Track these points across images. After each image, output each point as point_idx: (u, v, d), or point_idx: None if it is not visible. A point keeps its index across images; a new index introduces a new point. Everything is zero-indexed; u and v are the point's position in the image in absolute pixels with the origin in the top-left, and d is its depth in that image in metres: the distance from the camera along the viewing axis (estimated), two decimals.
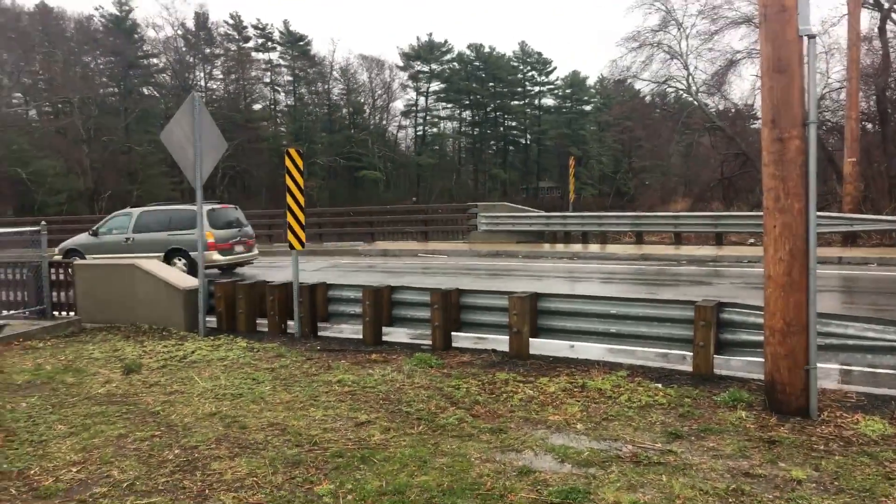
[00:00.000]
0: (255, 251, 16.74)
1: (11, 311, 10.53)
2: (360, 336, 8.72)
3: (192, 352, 8.32)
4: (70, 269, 10.71)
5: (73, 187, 39.67)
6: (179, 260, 15.26)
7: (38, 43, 44.45)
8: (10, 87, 43.35)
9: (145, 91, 54.81)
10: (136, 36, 53.85)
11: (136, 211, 16.40)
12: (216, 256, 15.01)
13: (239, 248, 15.86)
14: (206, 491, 4.42)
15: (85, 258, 15.34)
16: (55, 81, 44.06)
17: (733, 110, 33.83)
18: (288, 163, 9.13)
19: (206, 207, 14.64)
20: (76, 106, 43.88)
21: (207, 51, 56.80)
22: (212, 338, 9.13)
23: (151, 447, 5.21)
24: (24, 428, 5.73)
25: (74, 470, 4.81)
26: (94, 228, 16.66)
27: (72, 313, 10.63)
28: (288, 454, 4.98)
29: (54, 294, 10.75)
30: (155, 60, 55.91)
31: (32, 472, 4.80)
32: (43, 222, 11.85)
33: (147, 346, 8.80)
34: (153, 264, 10.60)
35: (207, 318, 9.64)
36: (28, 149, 39.16)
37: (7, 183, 38.23)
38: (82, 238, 16.66)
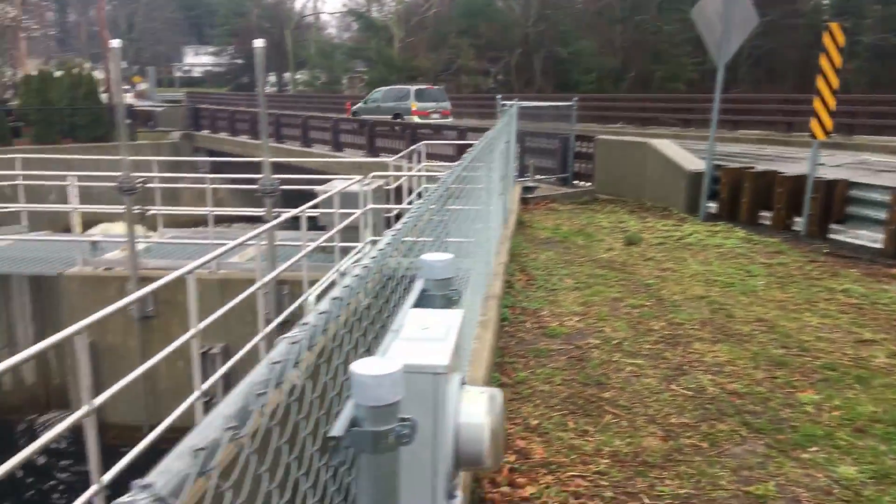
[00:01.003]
0: (450, 119, 22.24)
1: (542, 176, 12.20)
2: (880, 245, 7.60)
3: (689, 234, 8.47)
4: (592, 144, 11.77)
5: (604, 66, 42.40)
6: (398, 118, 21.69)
7: None
8: None
9: None
10: None
11: (384, 88, 24.62)
12: (416, 119, 21.01)
13: (435, 116, 21.74)
14: (685, 366, 4.62)
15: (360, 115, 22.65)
16: None
17: None
18: (827, 40, 8.15)
19: (414, 88, 22.68)
20: None
21: None
22: (710, 223, 9.11)
23: (640, 315, 5.62)
24: (541, 276, 6.77)
25: (575, 319, 5.54)
26: (365, 98, 25.14)
27: (587, 183, 11.78)
28: (772, 353, 4.81)
29: (576, 165, 12.03)
30: None
31: (544, 313, 5.70)
32: (575, 98, 13.15)
33: (648, 222, 9.29)
34: (663, 143, 10.89)
35: (708, 204, 9.60)
36: (570, 30, 43.11)
37: (551, 62, 43.10)
38: (360, 105, 24.70)
